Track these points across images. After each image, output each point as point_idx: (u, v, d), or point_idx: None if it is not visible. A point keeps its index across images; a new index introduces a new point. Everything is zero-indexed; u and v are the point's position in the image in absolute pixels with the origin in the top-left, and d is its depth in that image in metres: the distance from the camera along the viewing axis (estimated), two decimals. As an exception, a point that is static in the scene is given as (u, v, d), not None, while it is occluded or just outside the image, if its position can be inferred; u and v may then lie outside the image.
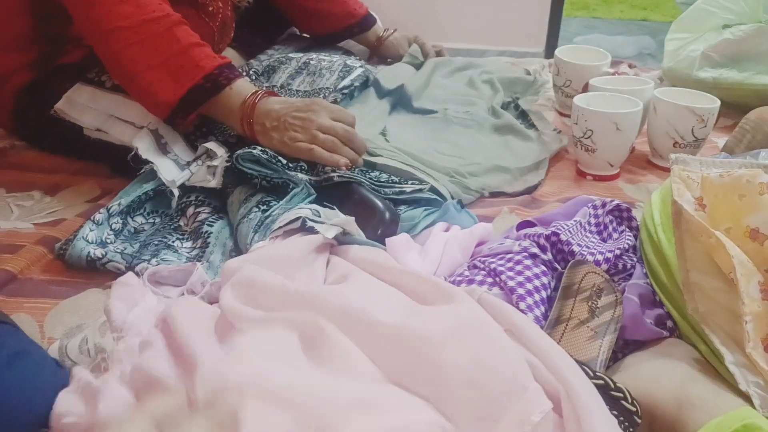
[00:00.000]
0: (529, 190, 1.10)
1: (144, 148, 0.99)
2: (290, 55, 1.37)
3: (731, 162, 0.76)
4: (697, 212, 0.72)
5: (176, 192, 0.97)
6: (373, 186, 0.95)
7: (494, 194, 1.09)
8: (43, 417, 0.54)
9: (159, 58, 0.98)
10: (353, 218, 0.85)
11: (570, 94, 1.31)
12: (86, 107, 1.08)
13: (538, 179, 1.12)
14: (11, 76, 1.19)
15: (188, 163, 1.01)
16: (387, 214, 0.90)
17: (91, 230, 0.91)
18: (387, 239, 0.84)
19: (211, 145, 1.01)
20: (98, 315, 0.78)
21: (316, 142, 0.97)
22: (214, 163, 1.00)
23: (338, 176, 0.94)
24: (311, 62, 1.33)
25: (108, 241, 0.92)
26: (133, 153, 0.99)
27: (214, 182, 0.99)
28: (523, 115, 1.33)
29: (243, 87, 1.02)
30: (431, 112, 1.27)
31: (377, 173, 0.99)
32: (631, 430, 0.59)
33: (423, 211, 0.95)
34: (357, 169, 0.98)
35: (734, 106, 1.30)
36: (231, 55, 1.43)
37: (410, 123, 1.24)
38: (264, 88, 1.05)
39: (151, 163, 0.98)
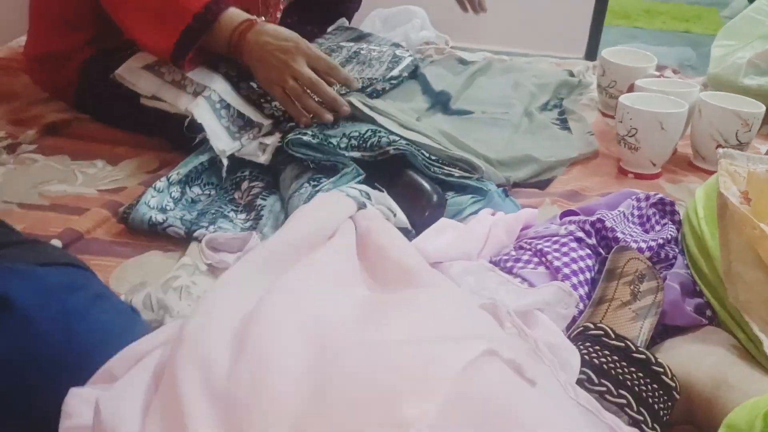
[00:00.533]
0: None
1: (199, 113, 1.03)
2: (342, 44, 1.41)
3: (778, 159, 0.78)
4: (742, 205, 0.74)
5: (225, 162, 1.01)
6: (425, 163, 0.99)
7: (536, 186, 1.12)
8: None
9: (153, 13, 1.05)
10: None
11: (614, 95, 1.33)
12: (143, 73, 1.13)
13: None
14: (74, 52, 1.25)
15: (240, 133, 1.05)
16: (434, 197, 0.94)
17: (152, 197, 0.96)
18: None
19: (257, 116, 1.06)
20: (160, 274, 0.83)
21: (286, 86, 1.03)
22: (266, 141, 1.05)
23: (394, 149, 0.97)
24: (362, 52, 1.37)
25: (168, 207, 0.97)
26: (188, 120, 1.04)
27: (263, 158, 1.03)
28: (564, 121, 1.35)
29: (231, 19, 1.06)
30: (467, 113, 1.30)
31: (427, 153, 1.02)
32: (670, 404, 0.62)
33: (470, 198, 0.98)
34: (404, 142, 1.00)
35: (778, 114, 1.31)
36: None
37: (444, 121, 1.26)
38: (263, 19, 1.10)
39: (204, 131, 1.02)
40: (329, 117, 1.05)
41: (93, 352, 0.56)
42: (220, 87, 1.08)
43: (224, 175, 1.02)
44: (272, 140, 1.05)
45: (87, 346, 0.56)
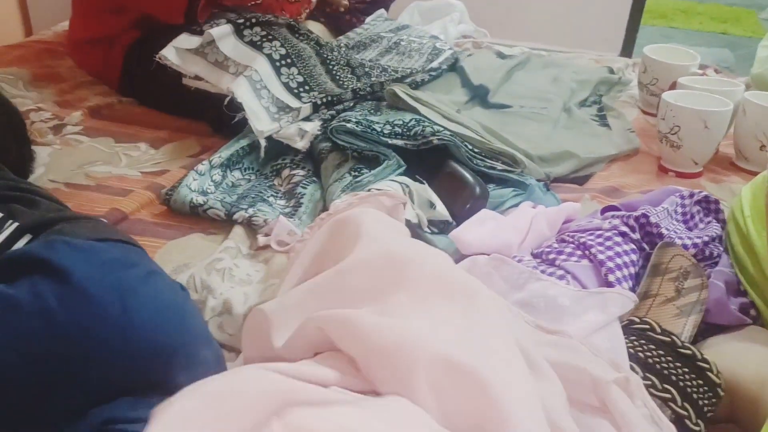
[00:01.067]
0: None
1: (240, 92, 1.05)
2: (382, 34, 1.41)
3: (829, 159, 0.77)
4: (791, 205, 0.73)
5: (263, 143, 1.02)
6: (468, 155, 0.99)
7: (574, 181, 1.11)
8: (176, 332, 0.59)
9: None
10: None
11: (655, 92, 1.31)
12: (187, 54, 1.14)
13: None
14: (119, 36, 1.27)
15: (279, 114, 1.06)
16: (477, 189, 0.94)
17: (194, 179, 0.97)
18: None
19: (295, 103, 1.07)
20: (203, 256, 0.84)
21: None
22: (305, 127, 1.06)
23: (438, 139, 0.97)
24: (402, 43, 1.38)
25: (209, 191, 0.98)
26: (228, 98, 1.05)
27: (300, 144, 1.04)
28: (603, 117, 1.34)
29: None
30: (506, 106, 1.30)
31: (470, 145, 1.02)
32: (714, 401, 0.62)
33: (511, 191, 0.98)
34: (448, 133, 1.00)
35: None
36: (319, 30, 1.48)
37: (482, 114, 1.26)
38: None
39: (244, 111, 1.03)
40: None
41: (146, 326, 0.58)
42: (262, 68, 1.10)
43: (262, 155, 1.03)
44: (311, 127, 1.06)
45: (141, 320, 0.57)
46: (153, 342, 0.57)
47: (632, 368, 0.60)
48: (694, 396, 0.60)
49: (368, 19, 1.58)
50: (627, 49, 2.82)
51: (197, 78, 1.13)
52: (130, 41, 1.26)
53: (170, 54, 1.13)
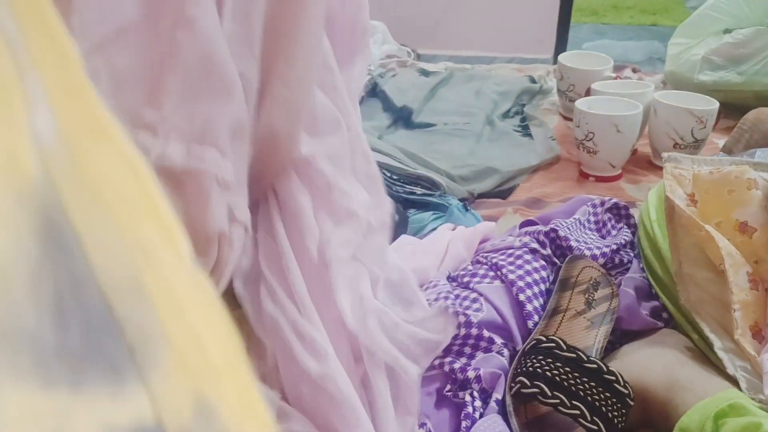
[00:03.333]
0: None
1: None
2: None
3: (721, 160, 0.80)
4: (689, 207, 0.75)
5: None
6: (387, 182, 1.00)
7: (498, 195, 1.13)
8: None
9: None
10: None
11: (573, 98, 1.34)
12: None
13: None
14: None
15: None
16: (396, 216, 0.95)
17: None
18: None
19: None
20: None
21: None
22: None
23: None
24: (322, 71, 1.38)
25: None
26: None
27: None
28: (526, 127, 1.36)
29: None
30: (430, 125, 1.31)
31: (389, 173, 1.03)
32: (624, 411, 0.63)
33: (431, 214, 0.99)
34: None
35: (735, 108, 1.33)
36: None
37: (406, 136, 1.27)
38: None
39: None
40: None
41: None
42: None
43: None
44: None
45: None
46: None
47: (540, 388, 0.61)
48: (603, 409, 0.62)
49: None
50: (560, 49, 2.88)
51: None
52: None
53: None
